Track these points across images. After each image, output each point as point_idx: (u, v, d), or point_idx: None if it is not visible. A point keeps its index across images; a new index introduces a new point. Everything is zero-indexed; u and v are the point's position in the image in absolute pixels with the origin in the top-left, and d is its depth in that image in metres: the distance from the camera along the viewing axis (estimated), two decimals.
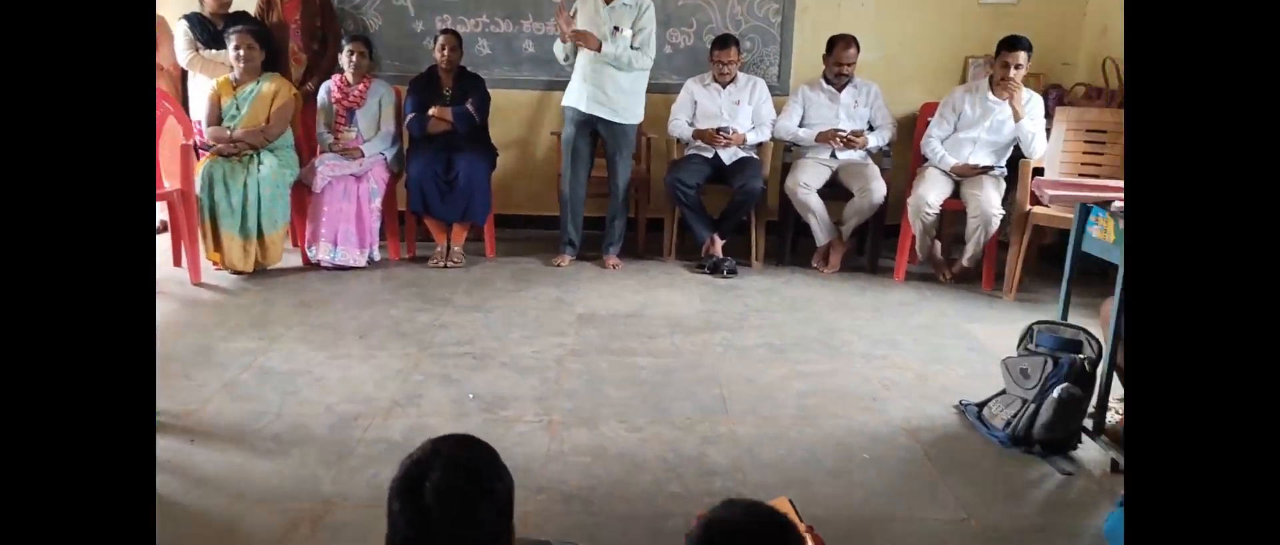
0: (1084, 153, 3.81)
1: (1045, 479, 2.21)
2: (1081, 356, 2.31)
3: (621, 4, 3.85)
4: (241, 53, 3.74)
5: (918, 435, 2.42)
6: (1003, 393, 2.46)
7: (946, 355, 3.04)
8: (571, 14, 3.90)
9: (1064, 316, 2.51)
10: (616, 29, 3.83)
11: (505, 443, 2.27)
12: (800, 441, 2.36)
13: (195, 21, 4.06)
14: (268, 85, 3.81)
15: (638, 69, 3.99)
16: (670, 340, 3.14)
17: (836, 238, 4.08)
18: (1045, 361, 2.33)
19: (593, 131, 4.02)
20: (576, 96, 3.94)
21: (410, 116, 4.03)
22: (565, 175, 4.08)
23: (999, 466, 2.26)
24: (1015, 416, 2.35)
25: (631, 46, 3.87)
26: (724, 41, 4.12)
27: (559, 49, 3.96)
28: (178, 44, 4.07)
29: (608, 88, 3.90)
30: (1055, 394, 2.26)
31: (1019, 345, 2.48)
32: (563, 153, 4.09)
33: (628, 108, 3.99)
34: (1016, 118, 3.70)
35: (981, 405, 2.51)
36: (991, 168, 3.80)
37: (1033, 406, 2.31)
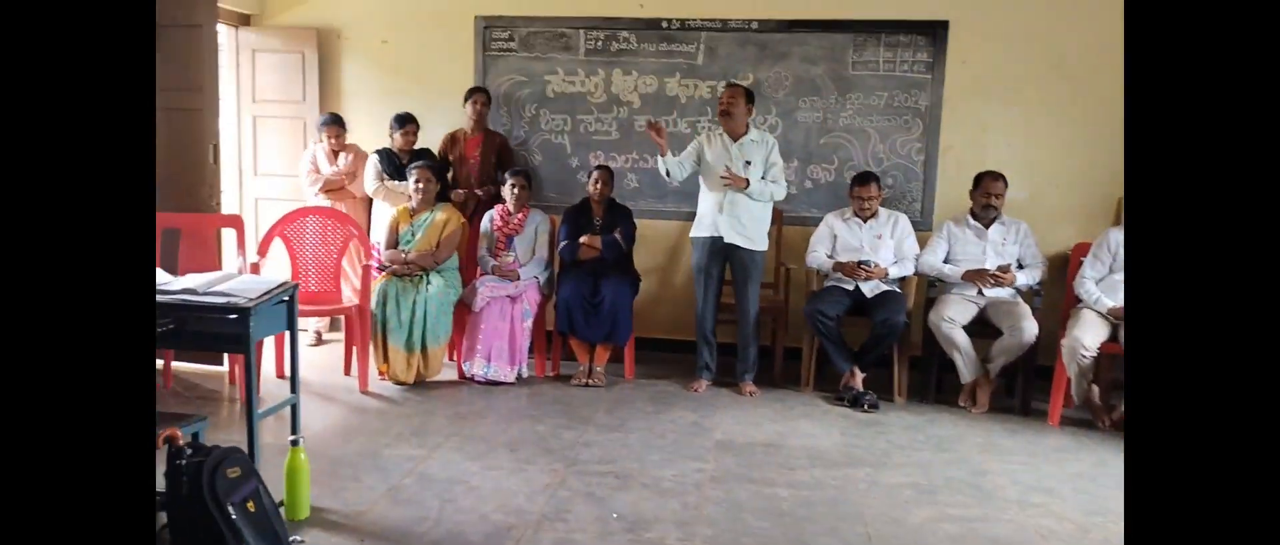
0: None
1: None
2: None
3: (748, 141, 4.05)
4: (421, 185, 4.15)
5: None
6: None
7: (1108, 507, 2.86)
8: (697, 151, 4.12)
9: None
10: (748, 163, 4.02)
11: None
12: None
13: (384, 156, 4.55)
14: (440, 214, 4.19)
15: (777, 199, 4.14)
16: (810, 472, 3.11)
17: (984, 375, 3.97)
18: None
19: (724, 259, 4.15)
20: (710, 226, 4.10)
21: (563, 244, 4.31)
22: (700, 302, 4.21)
23: None
24: None
25: (763, 178, 4.05)
26: (864, 178, 4.22)
27: (662, 164, 4.07)
28: (367, 174, 4.56)
29: (742, 216, 4.05)
30: None
31: None
32: (696, 281, 4.23)
33: (759, 235, 4.12)
34: None
35: None
36: None
37: None
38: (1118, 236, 3.81)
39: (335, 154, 4.66)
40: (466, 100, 4.57)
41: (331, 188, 4.61)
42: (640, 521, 2.63)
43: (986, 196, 4.09)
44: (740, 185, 3.99)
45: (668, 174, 4.13)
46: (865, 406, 3.91)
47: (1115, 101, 4.46)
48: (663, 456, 3.21)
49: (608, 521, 2.62)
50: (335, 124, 4.63)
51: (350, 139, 4.82)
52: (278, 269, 4.23)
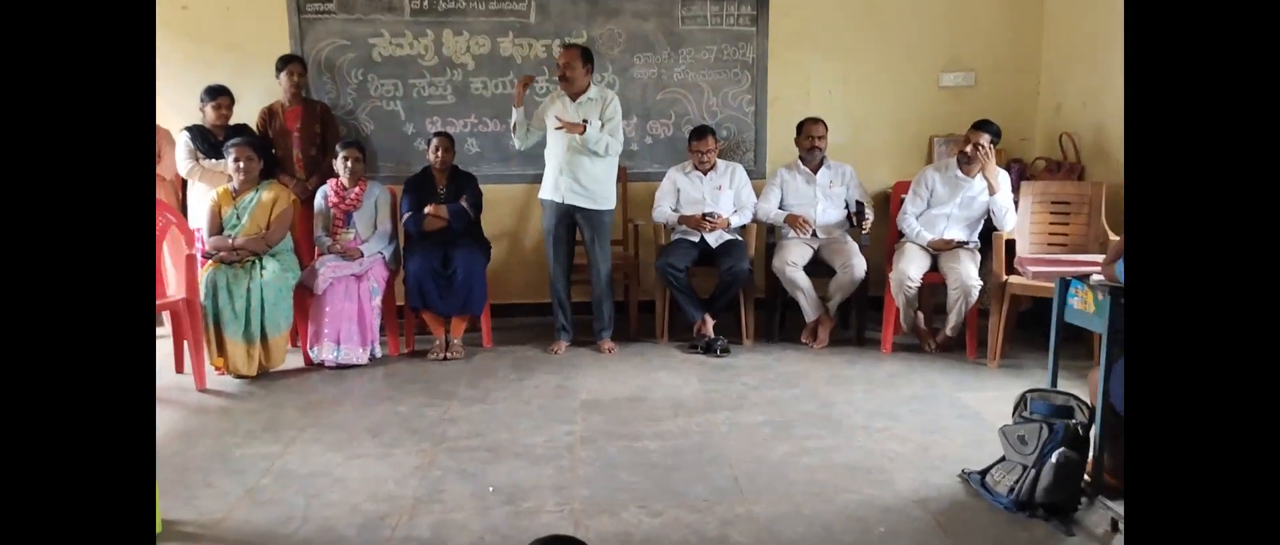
0: (1051, 223, 4.04)
1: (1050, 540, 2.33)
2: (1074, 421, 2.46)
3: (587, 99, 4.06)
4: (241, 164, 3.86)
5: (927, 506, 2.52)
6: (1003, 460, 2.59)
7: (943, 425, 3.17)
8: (541, 111, 4.11)
9: (1053, 384, 2.66)
10: (586, 121, 4.03)
11: (532, 535, 2.32)
12: (817, 519, 2.45)
13: (196, 133, 4.18)
14: (267, 193, 3.92)
15: (613, 154, 4.18)
16: (675, 422, 3.23)
17: (824, 314, 4.24)
18: (1041, 428, 2.47)
19: (572, 221, 4.17)
20: (553, 188, 4.10)
21: (407, 215, 4.16)
22: (552, 265, 4.21)
23: (1008, 532, 2.37)
24: (1017, 482, 2.47)
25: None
26: (701, 132, 4.35)
27: (519, 129, 4.07)
28: (179, 154, 4.18)
29: (582, 177, 4.06)
30: (1053, 459, 2.39)
31: (1014, 413, 2.62)
32: (546, 244, 4.23)
33: (603, 194, 4.16)
34: (991, 190, 3.95)
35: (984, 473, 2.63)
36: (966, 242, 4.02)
37: (1033, 472, 2.44)
38: (933, 174, 4.14)
39: None
40: (280, 71, 4.26)
41: None
42: (517, 491, 2.65)
43: (810, 140, 4.32)
44: (577, 130, 3.96)
45: (513, 127, 4.11)
46: (718, 351, 4.09)
47: (921, 46, 4.81)
48: (531, 423, 3.22)
49: (485, 496, 2.62)
50: None
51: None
52: None
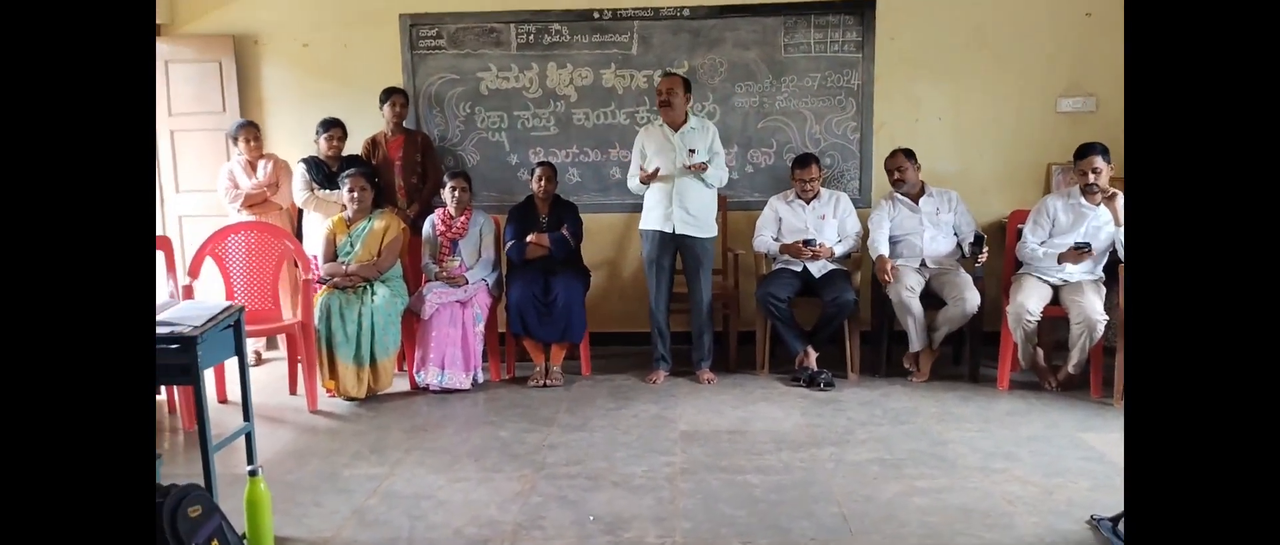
0: None
1: None
2: None
3: (688, 129, 4.05)
4: (355, 194, 4.01)
5: None
6: None
7: (1066, 467, 2.97)
8: (642, 150, 4.13)
9: None
10: (692, 151, 4.02)
11: None
12: None
13: (311, 164, 4.38)
14: (379, 222, 4.06)
15: (720, 185, 4.17)
16: (778, 456, 3.13)
17: (927, 346, 4.06)
18: None
19: (674, 250, 4.15)
20: (659, 219, 4.08)
21: (510, 244, 4.23)
22: (653, 294, 4.19)
23: None
24: None
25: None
26: (804, 160, 4.27)
27: (635, 185, 4.15)
28: (295, 184, 4.39)
29: (690, 206, 4.05)
30: None
31: None
32: (647, 274, 4.21)
33: (708, 223, 4.13)
34: (1116, 223, 3.71)
35: (1115, 520, 2.43)
36: (1087, 245, 3.77)
37: None
38: (1054, 203, 3.94)
39: (252, 165, 4.47)
40: (383, 102, 4.43)
41: (253, 201, 4.43)
42: (618, 521, 2.61)
43: (891, 173, 4.19)
44: (703, 169, 3.98)
45: (637, 190, 4.19)
46: (821, 385, 3.97)
47: (1037, 70, 4.60)
48: (630, 453, 3.19)
49: (584, 524, 2.59)
50: (248, 129, 4.44)
51: (272, 148, 4.64)
52: (210, 290, 4.04)
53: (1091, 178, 3.72)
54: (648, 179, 4.03)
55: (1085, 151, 3.75)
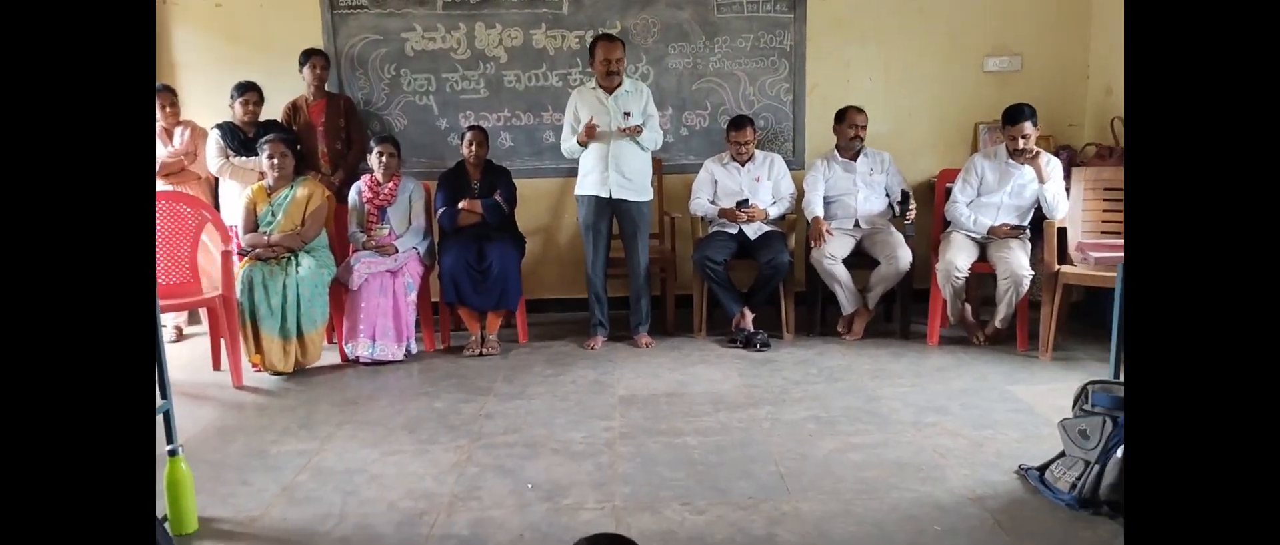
0: (1104, 210, 3.89)
1: (1118, 538, 2.20)
2: None
3: (623, 91, 3.99)
4: (275, 161, 3.84)
5: (984, 503, 2.41)
6: (1063, 455, 2.47)
7: (995, 419, 3.05)
8: (575, 112, 4.05)
9: (1116, 375, 2.54)
10: (627, 114, 3.96)
11: (572, 533, 2.27)
12: (867, 517, 2.35)
13: (227, 130, 4.18)
14: (301, 190, 3.90)
15: (655, 148, 4.13)
16: (716, 418, 3.14)
17: (862, 306, 4.12)
18: (1104, 421, 2.35)
19: (611, 214, 4.11)
20: (596, 183, 4.03)
21: (441, 210, 4.12)
22: (589, 259, 4.15)
23: (1071, 530, 2.25)
24: (1080, 478, 2.35)
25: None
26: (739, 122, 4.25)
27: (570, 147, 4.08)
28: (210, 151, 4.18)
29: (626, 170, 4.00)
30: (1119, 454, 2.27)
31: (1074, 406, 2.50)
32: (584, 239, 4.16)
33: (644, 186, 4.10)
34: (1041, 180, 3.80)
35: (1043, 468, 2.51)
36: (1024, 228, 3.88)
37: (1097, 467, 2.32)
38: (981, 162, 4.01)
39: (169, 132, 4.24)
40: (303, 65, 4.25)
41: (170, 170, 4.21)
42: (556, 488, 2.58)
43: (853, 128, 4.20)
44: (637, 132, 3.93)
45: (571, 153, 4.11)
46: (758, 346, 3.99)
47: (964, 31, 4.66)
48: (569, 419, 3.16)
49: (523, 493, 2.56)
50: (164, 94, 4.21)
51: (187, 115, 4.41)
52: None
53: (1021, 143, 3.79)
54: (587, 138, 3.95)
55: (1015, 116, 3.79)
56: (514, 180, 4.27)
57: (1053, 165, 3.85)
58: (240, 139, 4.17)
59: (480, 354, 4.00)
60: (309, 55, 4.26)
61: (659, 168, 4.48)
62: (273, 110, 4.32)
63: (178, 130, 4.26)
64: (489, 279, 4.00)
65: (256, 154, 4.01)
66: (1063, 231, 3.80)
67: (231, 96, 4.17)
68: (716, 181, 4.29)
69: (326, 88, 4.36)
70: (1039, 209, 3.91)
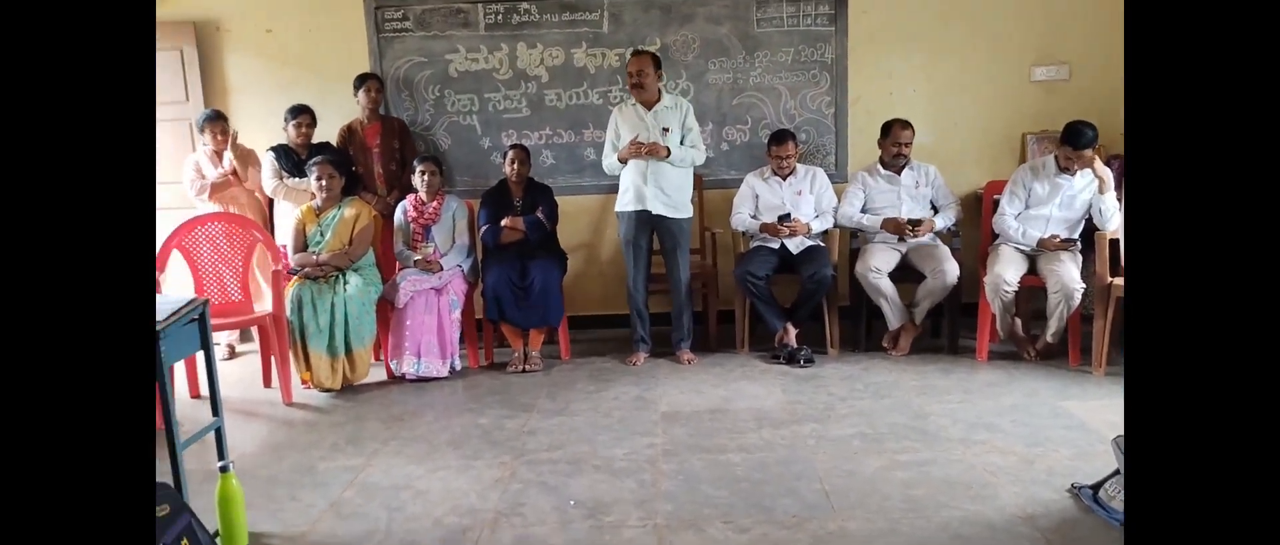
0: None
1: None
2: None
3: (662, 107, 4.00)
4: (323, 182, 3.93)
5: (1035, 523, 2.35)
6: (1117, 473, 2.39)
7: (1047, 436, 2.97)
8: (616, 129, 4.07)
9: None
10: (666, 130, 3.97)
11: None
12: (915, 536, 2.30)
13: (281, 152, 4.29)
14: (349, 210, 3.98)
15: (697, 164, 4.13)
16: (759, 435, 3.12)
17: (909, 321, 4.06)
18: None
19: (651, 230, 4.11)
20: (634, 199, 4.03)
21: (484, 228, 4.17)
22: (631, 275, 4.15)
23: None
24: None
25: (681, 144, 4.01)
26: (780, 137, 4.23)
27: (611, 164, 4.10)
28: (264, 173, 4.29)
29: (665, 186, 4.01)
30: None
31: None
32: (625, 255, 4.17)
33: (684, 203, 4.10)
34: (1102, 187, 3.70)
35: (1096, 487, 2.44)
36: (1075, 240, 3.79)
37: None
38: (1029, 174, 3.93)
39: (219, 155, 4.37)
40: (358, 88, 4.35)
41: (219, 189, 4.33)
42: (599, 506, 2.58)
43: (896, 144, 4.15)
44: (660, 155, 3.93)
45: (612, 171, 4.13)
46: (802, 362, 3.95)
47: (1010, 39, 4.59)
48: (612, 436, 3.16)
49: (566, 510, 2.56)
50: (216, 121, 4.33)
51: (242, 138, 4.53)
52: (178, 284, 3.96)
53: (1078, 166, 3.71)
54: (627, 156, 3.97)
55: (1077, 140, 3.66)
56: (555, 198, 4.31)
57: (1107, 174, 3.76)
58: (294, 161, 4.28)
59: (523, 370, 4.03)
60: (364, 79, 4.36)
61: (700, 183, 4.48)
62: (323, 132, 4.42)
63: (227, 153, 4.39)
64: (531, 296, 4.03)
65: (309, 175, 4.10)
66: (1115, 243, 3.70)
67: (285, 119, 4.28)
68: (757, 196, 4.28)
69: (381, 110, 4.46)
70: (1089, 221, 3.82)
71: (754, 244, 4.27)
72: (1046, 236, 3.80)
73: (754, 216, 4.25)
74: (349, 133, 4.42)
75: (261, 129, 4.55)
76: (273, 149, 4.30)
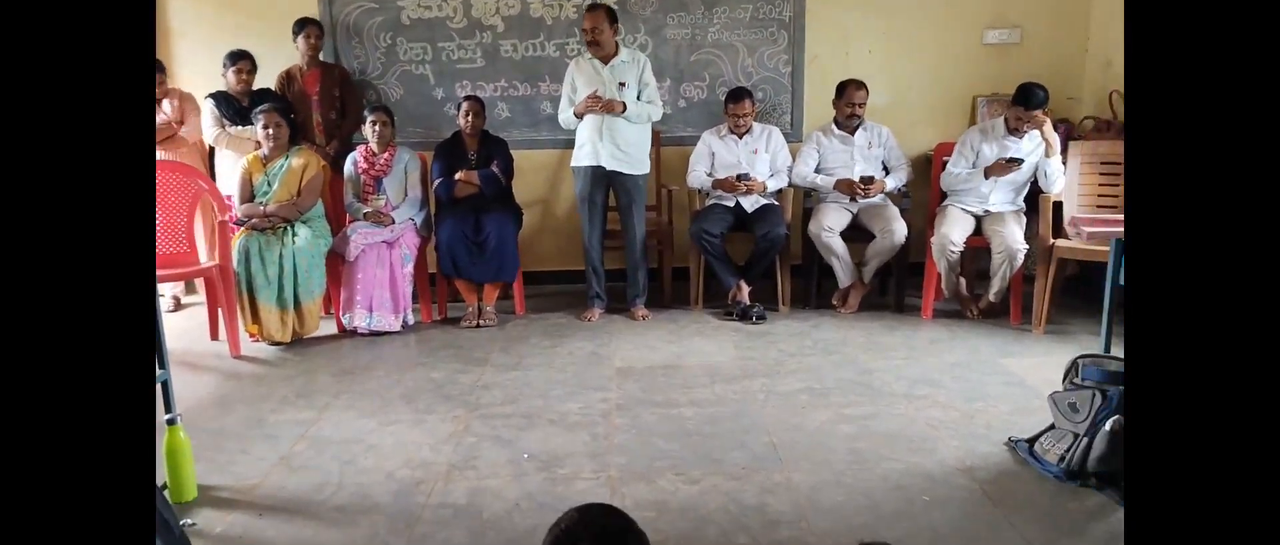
0: (1100, 185, 3.89)
1: (1104, 510, 2.24)
2: None
3: (619, 62, 3.97)
4: (270, 131, 3.83)
5: (973, 474, 2.45)
6: (1052, 428, 2.50)
7: (987, 392, 3.08)
8: (572, 83, 4.03)
9: (1107, 349, 2.56)
10: (622, 85, 3.95)
11: (568, 502, 2.29)
12: (858, 487, 2.38)
13: (221, 99, 4.16)
14: (297, 160, 3.89)
15: (654, 120, 4.12)
16: (711, 389, 3.17)
17: (857, 280, 4.14)
18: (1093, 395, 2.37)
19: (607, 186, 4.10)
20: (589, 154, 4.01)
21: (438, 181, 4.12)
22: (586, 231, 4.15)
23: (1058, 501, 2.29)
24: (1068, 450, 2.38)
25: (638, 100, 3.99)
26: (738, 94, 4.23)
27: (567, 118, 4.06)
28: (205, 121, 4.17)
29: (620, 142, 3.99)
30: (1107, 427, 2.30)
31: (1064, 379, 2.52)
32: (580, 211, 4.16)
33: (641, 159, 4.09)
34: (1049, 150, 3.79)
35: (1032, 441, 2.54)
36: (1019, 161, 3.84)
37: (1085, 440, 2.35)
38: (977, 136, 4.00)
39: (157, 101, 4.22)
40: (298, 34, 4.22)
41: (161, 137, 4.19)
42: (552, 458, 2.61)
43: (850, 105, 4.18)
44: (616, 110, 3.91)
45: (569, 125, 4.08)
46: (754, 318, 4.01)
47: (966, 3, 4.63)
48: (565, 390, 3.19)
49: (519, 462, 2.59)
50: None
51: (180, 85, 4.38)
52: None
53: (1027, 127, 3.79)
54: (583, 110, 3.94)
55: (1029, 99, 3.74)
56: (511, 151, 4.26)
57: (1054, 139, 3.85)
58: (235, 108, 4.16)
59: (477, 325, 4.02)
60: (303, 24, 4.23)
61: (656, 139, 4.47)
62: (266, 79, 4.30)
63: (166, 100, 4.24)
64: (486, 251, 4.00)
65: (251, 123, 3.99)
66: (1058, 206, 3.81)
67: (224, 65, 4.15)
68: (714, 154, 4.29)
69: (321, 57, 4.34)
70: (1034, 184, 3.92)
71: (709, 202, 4.29)
72: (992, 164, 3.85)
73: (710, 174, 4.27)
74: (287, 79, 4.30)
75: (202, 75, 4.39)
76: (212, 96, 4.17)
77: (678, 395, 3.12)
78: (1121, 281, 2.53)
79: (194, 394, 3.22)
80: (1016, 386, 3.12)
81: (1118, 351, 2.53)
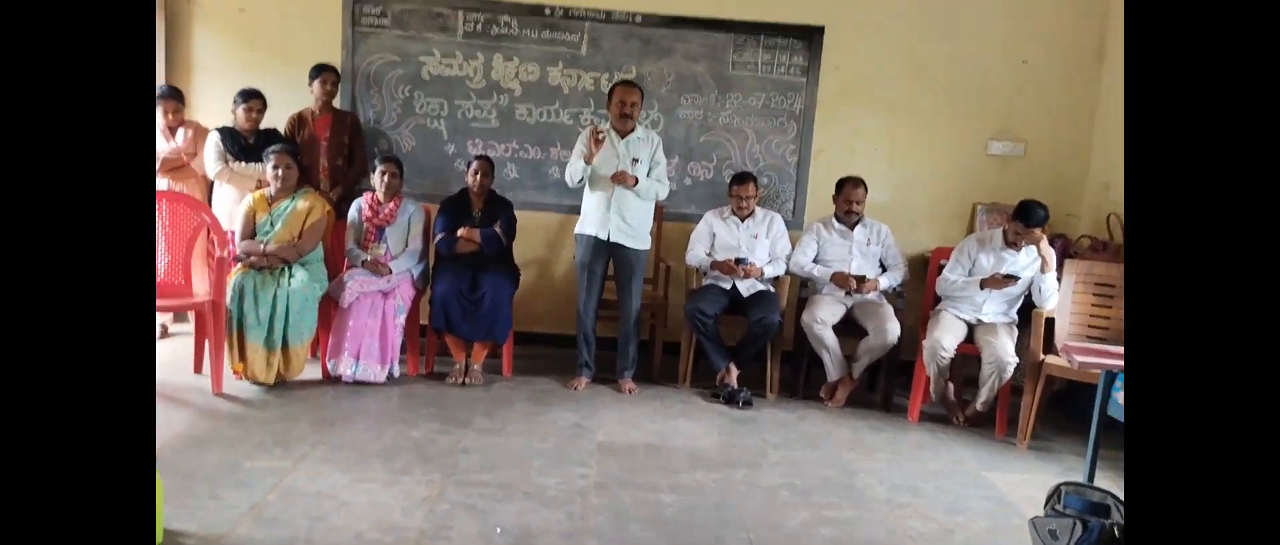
0: (1093, 306, 3.93)
1: None
2: (1110, 522, 2.34)
3: (636, 138, 4.03)
4: (280, 172, 3.86)
5: None
6: None
7: (968, 506, 3.05)
8: (591, 146, 4.06)
9: (1090, 479, 2.55)
10: (635, 160, 4.01)
11: None
12: None
13: (227, 134, 4.21)
14: (303, 202, 3.92)
15: (662, 198, 4.17)
16: (692, 475, 3.14)
17: (847, 374, 4.14)
18: (1074, 524, 2.36)
19: (608, 257, 4.13)
20: (597, 225, 4.05)
21: (440, 236, 4.14)
22: (582, 300, 4.16)
23: None
24: None
25: (648, 176, 4.05)
26: (743, 178, 4.29)
27: (575, 171, 4.00)
28: (208, 155, 4.20)
29: (628, 216, 4.03)
30: None
31: (1046, 505, 2.51)
32: (579, 279, 4.18)
33: (644, 234, 4.13)
34: (1045, 267, 3.84)
35: None
36: (1016, 278, 3.87)
37: None
38: (975, 245, 4.05)
39: (171, 131, 4.27)
40: (314, 79, 4.30)
41: (170, 166, 4.22)
42: (525, 535, 2.57)
43: (847, 202, 4.25)
44: (629, 183, 3.96)
45: (578, 182, 4.03)
46: (740, 403, 4.00)
47: (971, 111, 4.74)
48: (545, 462, 3.15)
49: (491, 537, 2.54)
50: (171, 98, 4.23)
51: (196, 118, 4.44)
52: None
53: (1025, 242, 3.85)
54: (594, 152, 3.90)
55: (1029, 217, 3.79)
56: (515, 212, 4.30)
57: (1051, 256, 3.89)
58: (240, 144, 4.20)
59: (463, 383, 4.00)
60: (320, 70, 4.30)
61: (660, 215, 4.52)
62: (277, 119, 4.35)
63: (180, 130, 4.29)
64: (480, 309, 4.00)
65: (255, 161, 4.03)
66: (1050, 321, 3.84)
67: (235, 102, 4.20)
68: (715, 234, 4.33)
69: (335, 104, 4.40)
70: (1027, 297, 3.95)
71: (706, 282, 4.32)
72: (988, 277, 3.88)
73: (709, 254, 4.30)
74: (299, 122, 4.36)
75: (219, 109, 4.45)
76: (219, 130, 4.21)
77: (658, 478, 3.08)
78: (1110, 412, 2.54)
79: (171, 430, 3.18)
80: (997, 502, 3.10)
81: (1101, 481, 2.53)
